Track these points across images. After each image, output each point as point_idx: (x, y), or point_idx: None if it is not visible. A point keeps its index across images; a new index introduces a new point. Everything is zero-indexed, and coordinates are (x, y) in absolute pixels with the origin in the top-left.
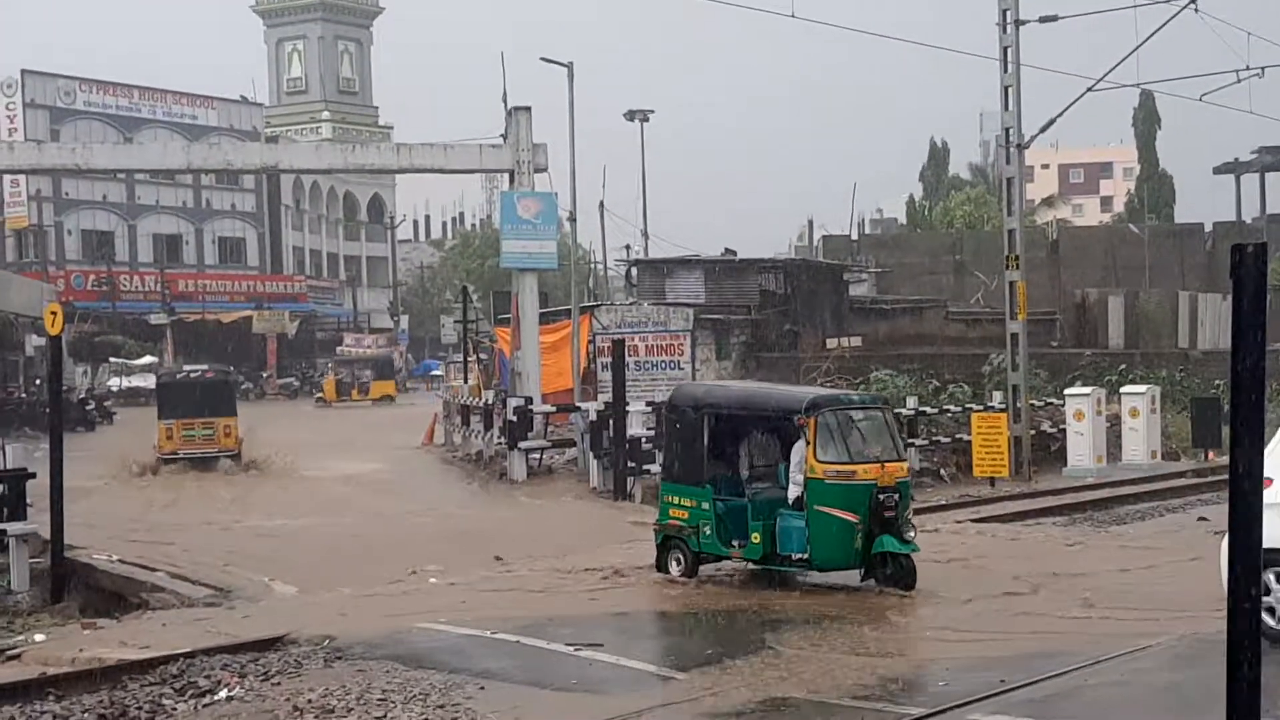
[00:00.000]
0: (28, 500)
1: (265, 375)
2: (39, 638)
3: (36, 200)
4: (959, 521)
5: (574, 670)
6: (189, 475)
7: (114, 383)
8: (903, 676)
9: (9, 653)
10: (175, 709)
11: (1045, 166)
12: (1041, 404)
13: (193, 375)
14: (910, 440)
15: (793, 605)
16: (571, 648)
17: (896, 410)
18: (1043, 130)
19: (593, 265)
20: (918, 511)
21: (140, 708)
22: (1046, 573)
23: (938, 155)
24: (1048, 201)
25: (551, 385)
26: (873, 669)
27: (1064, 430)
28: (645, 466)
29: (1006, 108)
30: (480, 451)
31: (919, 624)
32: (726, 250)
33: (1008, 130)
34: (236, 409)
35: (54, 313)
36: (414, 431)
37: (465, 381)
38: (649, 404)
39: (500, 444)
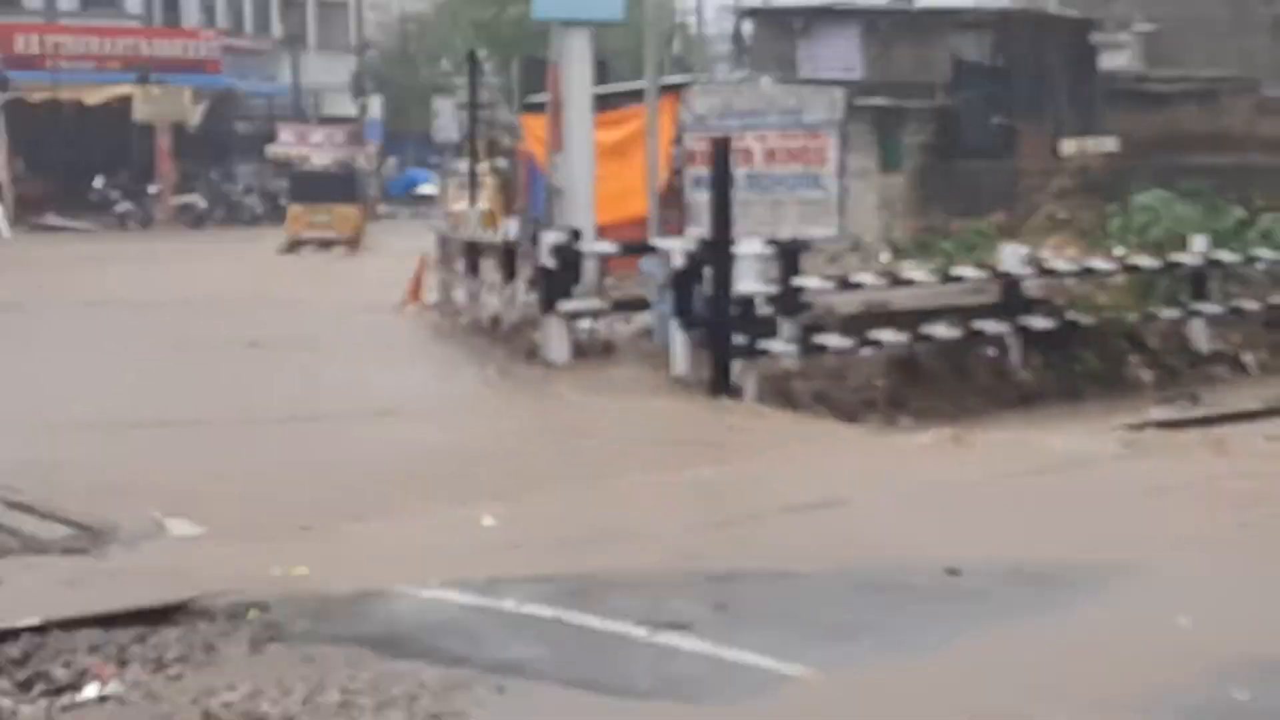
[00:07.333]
0: None
1: (153, 190)
2: None
3: None
4: (1270, 438)
5: (646, 665)
6: None
7: None
8: (1177, 686)
9: None
10: (16, 713)
11: None
12: None
13: (318, 166)
14: (1195, 306)
15: None
16: (643, 629)
17: (1175, 259)
18: None
19: (681, 18)
20: (1204, 421)
21: None
22: None
23: None
24: None
25: (613, 211)
26: (1117, 675)
27: None
28: (762, 343)
29: None
30: (497, 316)
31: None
32: None
33: None
34: (357, 198)
35: None
36: (389, 286)
37: (473, 204)
38: (771, 242)
39: (529, 305)
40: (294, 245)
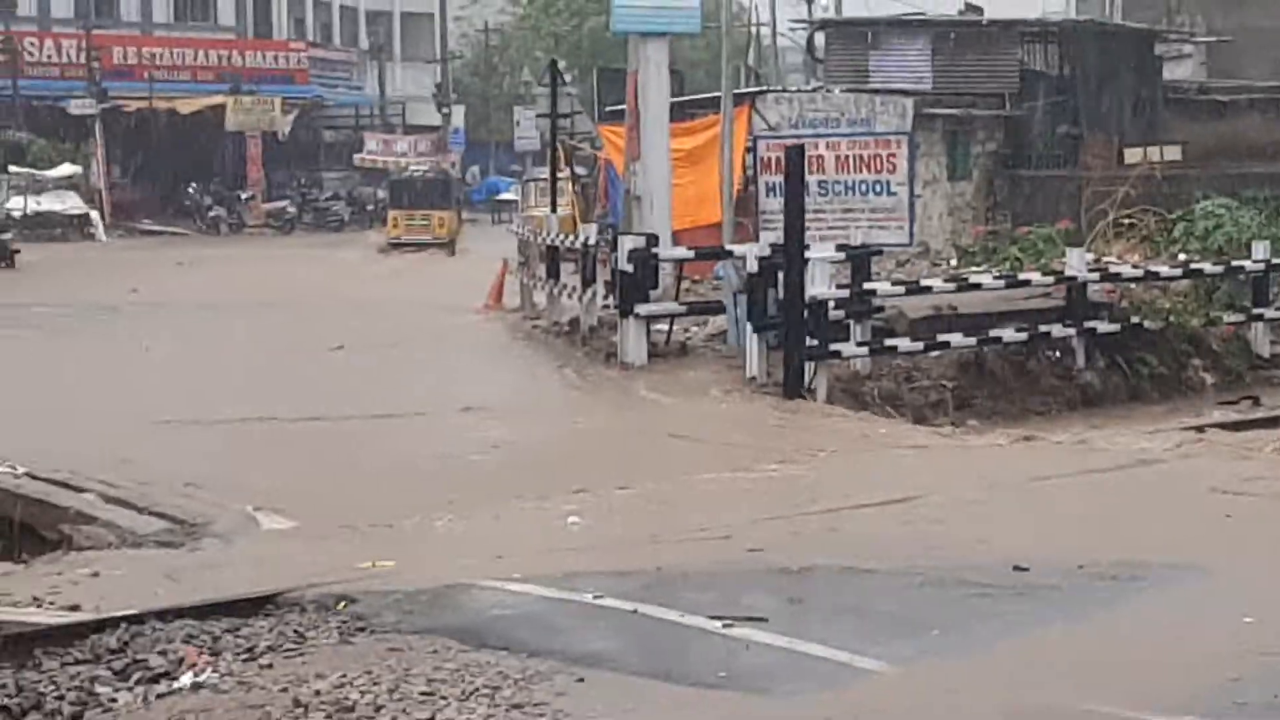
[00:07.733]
0: None
1: (245, 196)
2: None
3: None
4: None
5: (720, 656)
6: None
7: (14, 204)
8: (1241, 683)
9: None
10: (115, 699)
11: None
12: None
13: (416, 174)
14: (1257, 310)
15: None
16: (718, 622)
17: (1236, 264)
18: None
19: (755, 29)
20: (1265, 423)
21: (61, 696)
22: None
23: None
24: None
25: (688, 217)
26: (1182, 672)
27: None
28: (834, 346)
29: None
30: (576, 319)
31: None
32: (968, 6)
33: None
34: (452, 204)
35: None
36: (472, 289)
37: (553, 210)
38: (841, 248)
39: (607, 308)
40: (393, 247)
